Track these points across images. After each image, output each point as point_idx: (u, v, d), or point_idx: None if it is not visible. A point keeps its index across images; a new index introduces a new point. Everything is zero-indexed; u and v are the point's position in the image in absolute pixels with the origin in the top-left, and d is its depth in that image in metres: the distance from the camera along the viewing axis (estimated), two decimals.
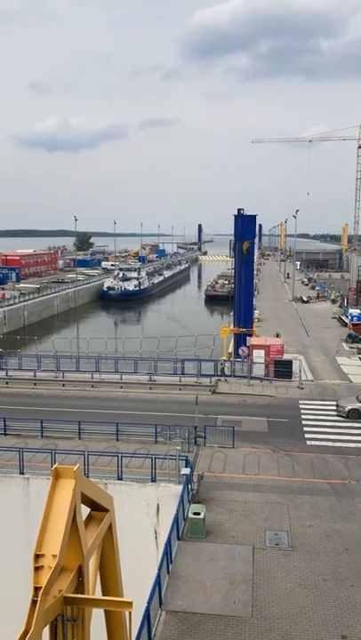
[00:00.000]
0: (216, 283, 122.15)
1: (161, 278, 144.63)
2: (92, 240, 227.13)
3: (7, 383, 38.75)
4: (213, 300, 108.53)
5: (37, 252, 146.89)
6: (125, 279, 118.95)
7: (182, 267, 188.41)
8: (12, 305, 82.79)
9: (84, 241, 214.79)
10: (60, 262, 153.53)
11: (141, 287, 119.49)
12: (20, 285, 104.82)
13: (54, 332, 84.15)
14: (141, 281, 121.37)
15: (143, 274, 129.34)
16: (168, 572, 16.85)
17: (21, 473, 24.01)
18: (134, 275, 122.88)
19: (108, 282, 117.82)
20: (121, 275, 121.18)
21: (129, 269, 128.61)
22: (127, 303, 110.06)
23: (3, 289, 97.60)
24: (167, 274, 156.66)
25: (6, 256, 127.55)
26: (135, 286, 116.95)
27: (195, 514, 19.26)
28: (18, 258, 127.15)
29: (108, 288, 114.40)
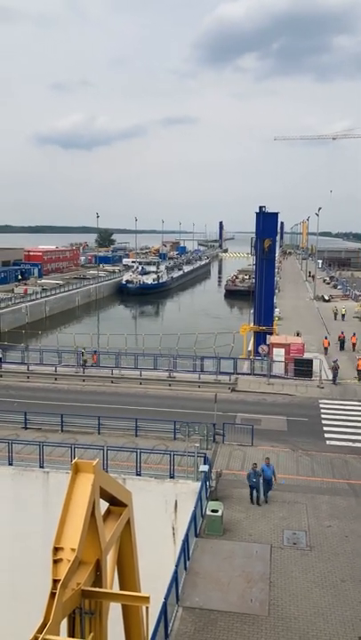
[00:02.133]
0: (236, 277, 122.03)
1: (180, 273, 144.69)
2: (113, 237, 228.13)
3: (28, 377, 39.21)
4: (234, 295, 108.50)
5: (59, 249, 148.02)
6: (144, 273, 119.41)
7: (202, 262, 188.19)
8: (34, 300, 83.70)
9: (105, 237, 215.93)
10: (82, 258, 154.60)
11: (160, 281, 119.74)
12: (42, 281, 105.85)
13: (74, 321, 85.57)
14: (160, 275, 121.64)
15: (162, 268, 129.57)
16: (185, 569, 16.88)
17: (41, 467, 24.27)
18: (153, 269, 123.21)
19: (127, 275, 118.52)
20: (140, 268, 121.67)
21: (148, 263, 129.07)
22: (146, 297, 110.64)
23: (25, 284, 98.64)
24: (187, 269, 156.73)
25: (29, 252, 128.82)
26: (154, 280, 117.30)
27: (212, 511, 19.26)
28: (40, 254, 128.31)
29: (127, 281, 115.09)
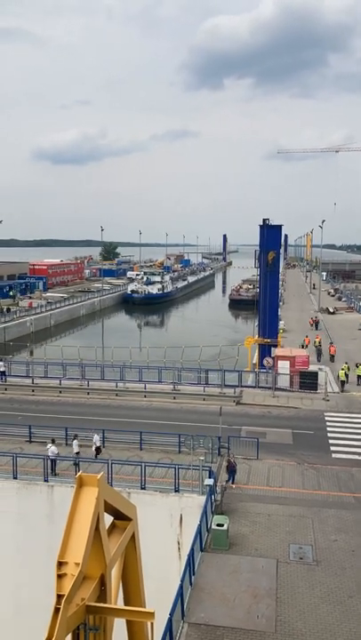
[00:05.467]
0: (240, 287, 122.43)
1: (185, 283, 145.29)
2: (117, 250, 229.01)
3: (33, 391, 39.18)
4: (238, 305, 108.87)
5: (64, 262, 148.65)
6: (149, 283, 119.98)
7: (207, 273, 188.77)
8: (39, 313, 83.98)
9: (110, 250, 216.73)
10: (87, 272, 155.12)
11: (165, 291, 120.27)
12: (47, 294, 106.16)
13: (78, 333, 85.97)
14: (165, 285, 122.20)
15: (167, 278, 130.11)
16: (191, 584, 16.70)
17: (46, 480, 24.18)
18: (158, 279, 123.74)
19: (133, 285, 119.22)
20: (145, 279, 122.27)
21: (153, 274, 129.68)
22: (150, 307, 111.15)
23: (30, 298, 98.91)
24: (191, 279, 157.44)
25: (34, 265, 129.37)
26: (159, 290, 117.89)
27: (218, 525, 19.10)
28: (45, 267, 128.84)
29: (132, 291, 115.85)
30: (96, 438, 26.92)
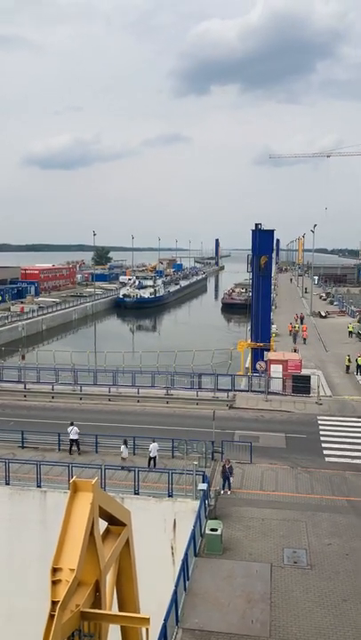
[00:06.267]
0: (233, 291, 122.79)
1: (177, 287, 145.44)
2: (110, 255, 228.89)
3: (25, 396, 39.00)
4: (230, 308, 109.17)
5: (56, 267, 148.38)
6: (141, 287, 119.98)
7: (199, 277, 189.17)
8: (31, 318, 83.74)
9: (102, 255, 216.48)
10: (79, 276, 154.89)
11: (157, 295, 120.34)
12: (39, 299, 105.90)
13: (69, 335, 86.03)
14: (157, 289, 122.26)
15: (159, 282, 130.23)
16: (185, 589, 16.65)
17: (38, 486, 24.05)
18: (150, 283, 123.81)
19: (125, 289, 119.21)
20: (137, 282, 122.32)
21: (145, 277, 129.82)
22: (142, 311, 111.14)
23: (22, 302, 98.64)
24: (183, 283, 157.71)
25: (25, 270, 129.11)
26: (151, 294, 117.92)
27: (212, 530, 19.06)
28: (37, 272, 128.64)
29: (124, 295, 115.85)
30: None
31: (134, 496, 22.92)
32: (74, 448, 27.94)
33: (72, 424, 28.26)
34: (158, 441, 27.66)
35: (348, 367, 45.54)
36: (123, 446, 26.73)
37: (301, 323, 66.92)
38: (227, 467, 23.57)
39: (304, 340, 57.24)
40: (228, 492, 23.14)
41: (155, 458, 25.83)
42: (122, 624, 9.68)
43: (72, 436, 27.82)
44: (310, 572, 17.82)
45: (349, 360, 45.77)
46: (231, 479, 23.52)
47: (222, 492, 22.89)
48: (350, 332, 62.01)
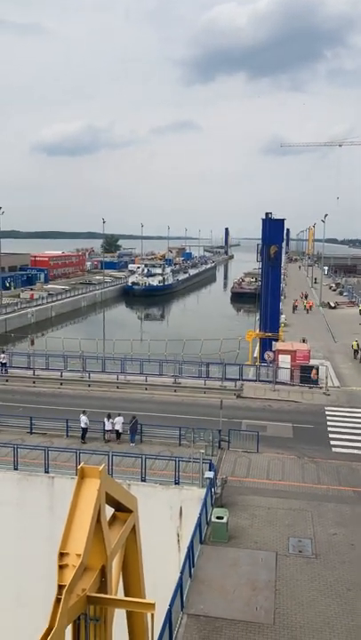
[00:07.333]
0: (243, 280, 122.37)
1: (186, 276, 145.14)
2: (119, 242, 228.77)
3: (34, 382, 39.27)
4: (240, 298, 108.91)
5: (65, 254, 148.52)
6: (150, 275, 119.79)
7: (208, 265, 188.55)
8: (40, 305, 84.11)
9: (111, 243, 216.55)
10: (88, 264, 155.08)
11: (166, 283, 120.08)
12: (49, 286, 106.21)
13: (78, 322, 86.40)
14: (166, 277, 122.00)
15: (168, 270, 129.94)
16: (190, 576, 16.79)
17: (46, 472, 24.26)
18: (158, 271, 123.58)
19: (133, 277, 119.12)
20: (145, 270, 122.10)
21: (153, 265, 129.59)
22: (151, 299, 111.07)
23: (31, 289, 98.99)
24: (193, 272, 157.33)
25: (35, 257, 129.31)
26: (159, 282, 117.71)
27: (218, 518, 19.17)
28: (46, 259, 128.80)
29: (133, 283, 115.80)
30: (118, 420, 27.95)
31: (141, 483, 23.07)
32: (87, 436, 28.13)
33: (84, 412, 28.37)
34: (166, 428, 27.85)
35: (355, 352, 46.69)
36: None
37: (306, 299, 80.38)
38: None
39: (308, 310, 71.31)
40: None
41: (118, 431, 27.80)
42: (127, 609, 9.77)
43: (82, 425, 28.02)
44: (315, 561, 17.90)
45: (358, 345, 46.77)
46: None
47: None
48: None
